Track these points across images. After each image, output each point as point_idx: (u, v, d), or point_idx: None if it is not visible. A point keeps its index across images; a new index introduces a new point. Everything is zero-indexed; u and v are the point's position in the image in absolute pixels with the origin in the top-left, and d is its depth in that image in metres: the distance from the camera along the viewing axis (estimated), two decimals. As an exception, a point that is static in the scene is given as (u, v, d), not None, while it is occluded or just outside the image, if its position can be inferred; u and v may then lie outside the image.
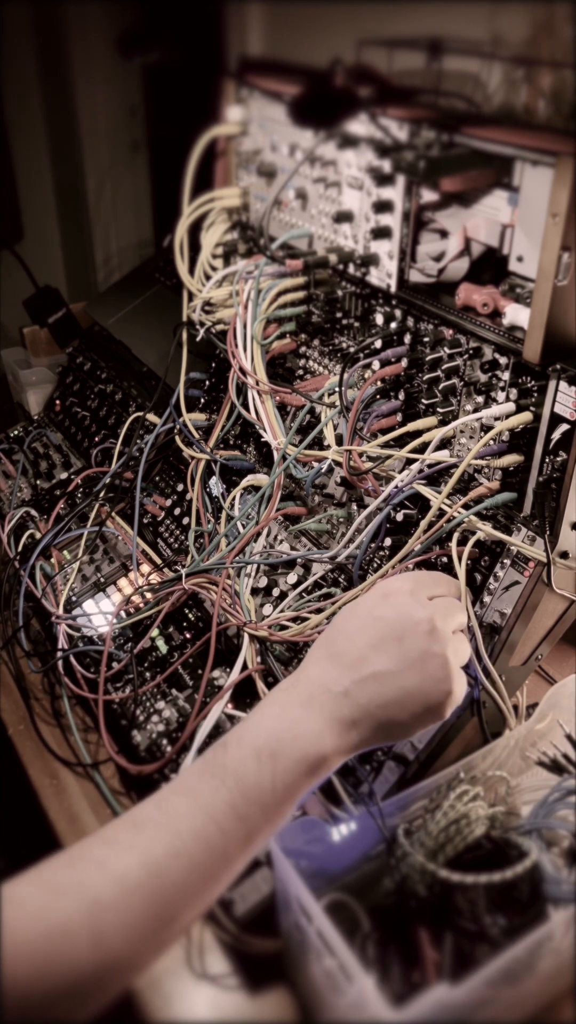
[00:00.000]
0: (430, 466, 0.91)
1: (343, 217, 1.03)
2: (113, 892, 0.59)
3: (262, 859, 0.80)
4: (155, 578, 1.11)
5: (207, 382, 1.24)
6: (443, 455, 0.92)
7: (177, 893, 0.61)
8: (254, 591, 1.02)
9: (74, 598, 1.12)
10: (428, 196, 0.94)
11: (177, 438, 1.22)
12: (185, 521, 1.17)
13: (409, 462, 0.93)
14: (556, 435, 0.82)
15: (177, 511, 1.20)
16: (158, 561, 1.16)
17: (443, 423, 0.95)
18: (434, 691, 0.68)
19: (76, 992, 0.58)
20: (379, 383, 0.99)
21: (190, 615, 1.05)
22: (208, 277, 1.18)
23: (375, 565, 0.97)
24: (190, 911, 0.62)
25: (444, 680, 0.69)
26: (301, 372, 1.15)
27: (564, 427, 0.81)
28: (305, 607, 0.96)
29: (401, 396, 1.00)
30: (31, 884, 0.60)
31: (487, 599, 0.87)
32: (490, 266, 0.95)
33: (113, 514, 1.19)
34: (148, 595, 1.08)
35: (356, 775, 0.83)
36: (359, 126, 0.97)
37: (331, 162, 1.03)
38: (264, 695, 0.91)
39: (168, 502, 1.22)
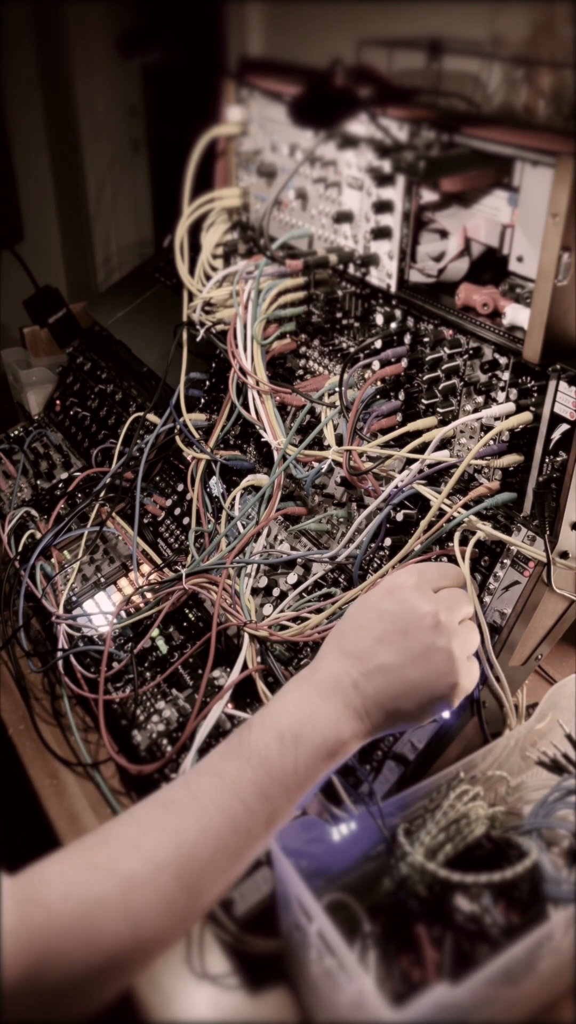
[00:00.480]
0: (430, 466, 0.91)
1: (343, 217, 1.03)
2: (145, 869, 0.61)
3: (262, 859, 0.80)
4: (155, 578, 1.11)
5: (207, 382, 1.24)
6: (443, 455, 0.92)
7: (205, 869, 0.63)
8: (254, 591, 1.02)
9: (74, 598, 1.12)
10: (428, 196, 0.94)
11: (177, 438, 1.22)
12: (185, 521, 1.17)
13: (409, 462, 0.93)
14: (556, 435, 0.82)
15: (177, 511, 1.20)
16: (158, 561, 1.16)
17: (443, 423, 0.95)
18: (439, 684, 0.71)
19: (111, 966, 0.60)
20: (379, 383, 0.99)
21: (190, 615, 1.05)
22: (208, 277, 1.18)
23: (375, 565, 0.97)
24: (216, 887, 0.65)
25: (448, 673, 0.71)
26: (301, 372, 1.15)
27: (564, 427, 0.81)
28: (305, 607, 0.96)
29: (401, 396, 1.00)
30: (65, 862, 0.62)
31: (487, 599, 0.87)
32: (490, 266, 0.95)
33: (113, 514, 1.19)
34: (148, 595, 1.08)
35: (356, 775, 0.83)
36: (359, 126, 0.97)
37: (331, 162, 1.03)
38: (265, 696, 0.91)
39: (168, 502, 1.22)
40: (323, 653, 0.74)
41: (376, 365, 0.99)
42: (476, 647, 0.76)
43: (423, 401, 0.97)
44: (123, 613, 1.07)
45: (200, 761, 0.70)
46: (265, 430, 1.06)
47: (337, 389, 1.00)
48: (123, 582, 1.14)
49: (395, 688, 0.71)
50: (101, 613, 1.09)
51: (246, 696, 0.93)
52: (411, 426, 0.96)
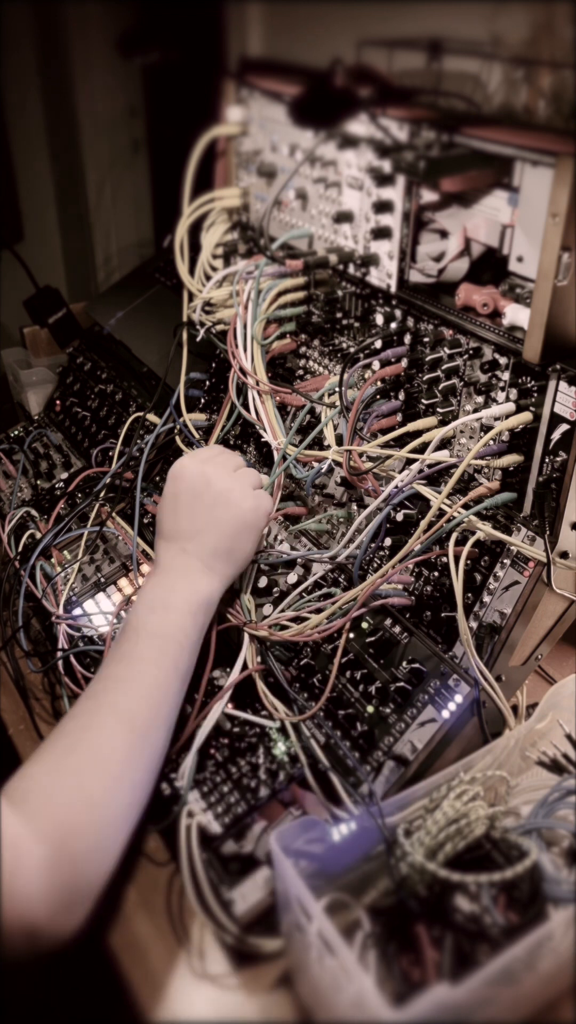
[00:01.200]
0: (430, 466, 0.91)
1: (343, 217, 1.03)
2: (107, 748, 0.77)
3: (262, 859, 0.80)
4: (155, 578, 1.11)
5: (207, 382, 1.24)
6: (443, 455, 0.92)
7: (149, 717, 0.81)
8: (254, 591, 1.02)
9: (74, 598, 1.12)
10: (428, 196, 0.94)
11: (177, 438, 1.22)
12: (185, 521, 1.17)
13: (409, 462, 0.93)
14: (556, 435, 0.82)
15: (177, 511, 1.20)
16: (158, 561, 1.15)
17: (443, 423, 0.95)
18: (240, 513, 0.93)
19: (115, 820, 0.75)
20: (379, 383, 0.99)
21: (190, 615, 1.05)
22: (208, 277, 1.18)
23: (375, 565, 0.97)
24: (161, 721, 0.82)
25: (243, 500, 0.93)
26: (301, 372, 1.15)
27: (564, 427, 0.81)
28: (305, 607, 0.96)
29: (401, 396, 1.00)
30: (51, 772, 0.75)
31: (487, 599, 0.87)
32: (490, 266, 0.95)
33: (113, 514, 1.19)
34: (148, 595, 1.08)
35: (356, 775, 0.83)
36: (359, 126, 0.97)
37: (331, 162, 1.03)
38: (265, 696, 0.91)
39: (168, 502, 1.22)
40: (157, 553, 0.94)
41: (376, 365, 1.00)
42: (257, 482, 0.97)
43: (423, 401, 0.97)
44: (123, 613, 1.06)
45: (103, 663, 0.86)
46: (265, 430, 1.06)
47: (337, 389, 1.00)
48: (123, 582, 1.14)
49: (216, 535, 0.91)
50: (101, 613, 1.09)
51: (246, 696, 0.93)
52: (411, 426, 0.96)
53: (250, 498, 0.94)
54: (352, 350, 1.03)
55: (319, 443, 1.03)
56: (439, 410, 0.96)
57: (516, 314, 0.86)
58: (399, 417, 1.00)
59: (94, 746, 0.77)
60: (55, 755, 0.76)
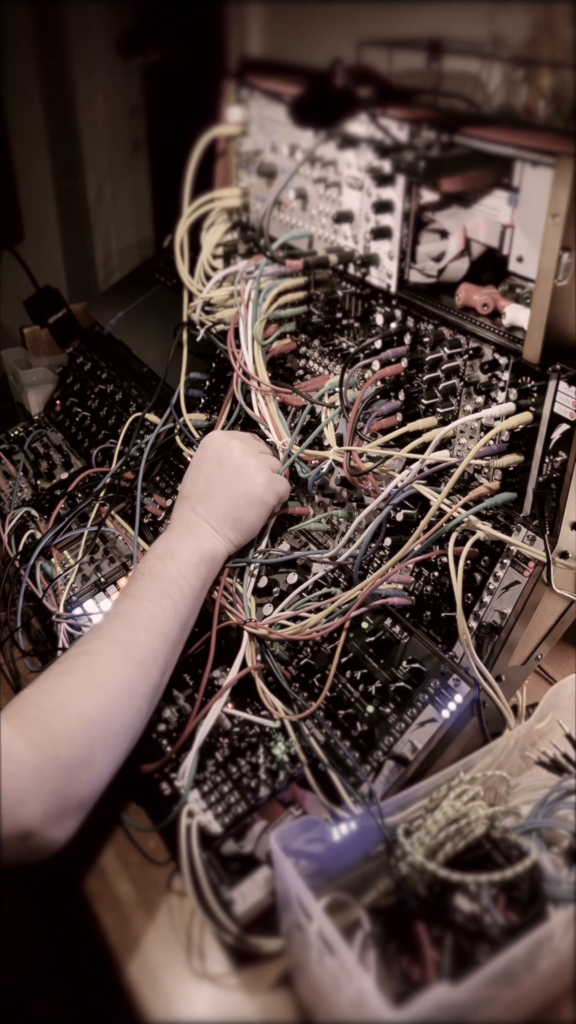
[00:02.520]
0: (430, 466, 0.91)
1: (343, 217, 1.03)
2: (107, 675, 0.82)
3: (262, 859, 0.80)
4: (155, 578, 1.11)
5: (207, 382, 1.24)
6: (443, 455, 0.92)
7: (145, 650, 0.86)
8: (254, 591, 1.02)
9: (74, 598, 1.12)
10: (428, 196, 0.94)
11: (177, 438, 1.22)
12: (185, 521, 1.17)
13: (409, 462, 0.93)
14: (556, 435, 0.83)
15: (177, 511, 1.20)
16: (158, 561, 1.15)
17: (443, 423, 0.95)
18: (254, 486, 0.98)
19: (101, 730, 0.79)
20: (379, 383, 0.99)
21: (190, 615, 1.05)
22: (208, 277, 1.18)
23: (375, 565, 0.97)
24: (158, 657, 0.87)
25: (257, 474, 0.99)
26: (301, 372, 1.15)
27: (564, 427, 0.81)
28: (305, 607, 0.96)
29: (401, 396, 1.00)
30: (44, 689, 0.81)
31: (487, 599, 0.87)
32: (490, 266, 0.95)
33: (113, 514, 1.19)
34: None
35: (356, 775, 0.83)
36: (359, 126, 0.97)
37: (331, 162, 1.03)
38: (264, 695, 0.92)
39: (168, 502, 1.22)
40: (175, 510, 1.01)
41: (376, 365, 1.00)
42: (277, 466, 1.02)
43: (423, 401, 0.97)
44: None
45: (112, 605, 0.92)
46: (270, 430, 1.06)
47: (337, 389, 1.00)
48: (123, 582, 1.14)
49: (227, 503, 0.97)
50: (101, 613, 1.09)
51: (246, 695, 0.93)
52: (411, 426, 0.96)
53: (264, 476, 0.99)
54: (352, 350, 1.03)
55: (319, 443, 1.03)
56: (439, 410, 0.96)
57: (516, 314, 0.86)
58: (399, 417, 1.00)
59: (93, 668, 0.82)
60: (54, 676, 0.81)
